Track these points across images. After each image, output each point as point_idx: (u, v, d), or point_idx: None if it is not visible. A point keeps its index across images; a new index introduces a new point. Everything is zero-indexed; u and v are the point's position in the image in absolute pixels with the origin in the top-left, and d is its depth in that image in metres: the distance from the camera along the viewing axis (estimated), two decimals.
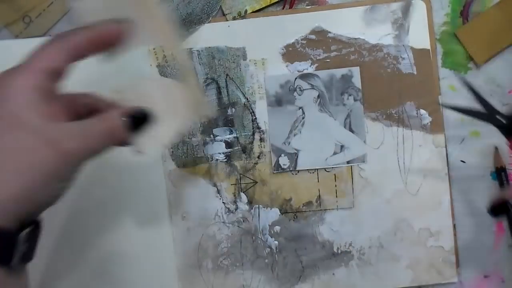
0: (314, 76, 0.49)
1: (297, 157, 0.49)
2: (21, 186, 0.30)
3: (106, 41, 0.34)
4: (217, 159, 0.49)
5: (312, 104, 0.49)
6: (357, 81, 0.49)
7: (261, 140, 0.49)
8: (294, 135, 0.49)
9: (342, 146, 0.49)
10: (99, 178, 0.48)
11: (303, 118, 0.49)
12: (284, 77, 0.49)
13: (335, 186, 0.49)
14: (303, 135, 0.49)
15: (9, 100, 0.30)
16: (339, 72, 0.49)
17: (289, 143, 0.49)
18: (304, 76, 0.49)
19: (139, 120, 0.35)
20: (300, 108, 0.49)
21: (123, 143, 0.35)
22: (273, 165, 0.49)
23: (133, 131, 0.34)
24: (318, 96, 0.49)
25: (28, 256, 0.32)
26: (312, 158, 0.49)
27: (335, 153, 0.49)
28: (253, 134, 0.49)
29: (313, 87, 0.49)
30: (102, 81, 0.48)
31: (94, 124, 0.33)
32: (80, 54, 0.33)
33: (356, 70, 0.49)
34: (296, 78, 0.49)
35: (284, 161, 0.49)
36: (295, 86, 0.49)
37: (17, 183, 0.30)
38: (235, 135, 0.50)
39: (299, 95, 0.49)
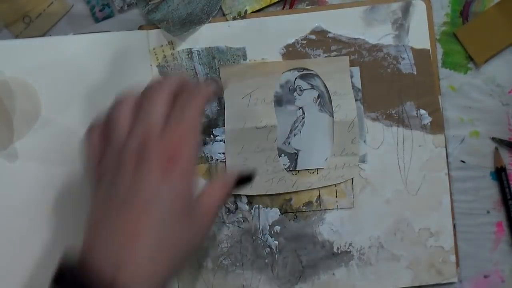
0: (314, 76, 0.49)
1: (297, 157, 0.49)
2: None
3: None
4: (217, 159, 0.49)
5: (312, 104, 0.49)
6: (357, 81, 0.49)
7: None
8: (294, 135, 0.49)
9: None
10: None
11: (303, 118, 0.49)
12: (284, 77, 0.49)
13: (335, 186, 0.49)
14: (303, 135, 0.49)
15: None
16: None
17: (289, 143, 0.49)
18: (304, 76, 0.49)
19: (245, 180, 0.40)
20: (300, 108, 0.49)
21: None
22: None
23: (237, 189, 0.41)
24: (318, 96, 0.49)
25: None
26: (312, 158, 0.49)
27: None
28: None
29: (313, 87, 0.49)
30: (103, 82, 0.49)
31: (216, 195, 0.39)
32: None
33: (356, 70, 0.49)
34: (296, 78, 0.49)
35: (284, 161, 0.49)
36: (295, 86, 0.49)
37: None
38: None
39: (299, 95, 0.49)
